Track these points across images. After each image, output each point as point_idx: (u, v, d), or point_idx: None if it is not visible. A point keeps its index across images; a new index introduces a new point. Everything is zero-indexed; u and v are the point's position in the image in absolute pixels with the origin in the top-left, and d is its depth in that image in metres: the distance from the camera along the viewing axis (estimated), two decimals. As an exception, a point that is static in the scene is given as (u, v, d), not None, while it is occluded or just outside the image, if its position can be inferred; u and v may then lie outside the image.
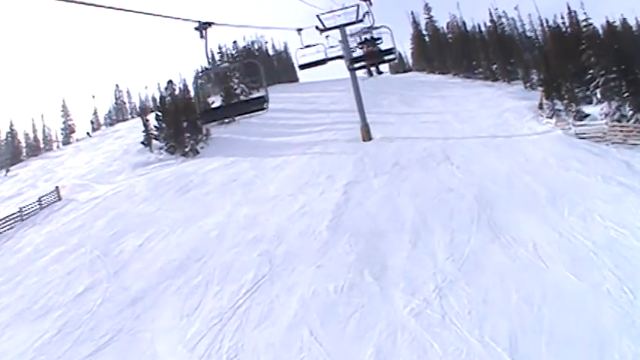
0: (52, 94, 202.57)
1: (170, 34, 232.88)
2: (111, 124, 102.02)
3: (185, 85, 68.56)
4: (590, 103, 43.96)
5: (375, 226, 23.47)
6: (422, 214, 23.89)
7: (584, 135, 33.27)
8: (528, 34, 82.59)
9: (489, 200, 24.17)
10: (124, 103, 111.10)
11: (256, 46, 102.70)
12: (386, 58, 39.13)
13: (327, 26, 43.21)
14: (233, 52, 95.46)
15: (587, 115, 40.92)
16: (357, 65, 42.25)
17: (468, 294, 16.40)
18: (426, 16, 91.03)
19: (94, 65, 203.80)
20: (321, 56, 38.79)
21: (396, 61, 38.56)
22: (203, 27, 10.70)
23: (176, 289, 21.59)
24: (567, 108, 42.01)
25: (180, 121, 56.08)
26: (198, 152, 53.17)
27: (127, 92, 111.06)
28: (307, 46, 34.70)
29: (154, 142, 58.32)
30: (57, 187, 44.71)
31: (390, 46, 39.02)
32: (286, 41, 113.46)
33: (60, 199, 42.55)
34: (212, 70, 14.19)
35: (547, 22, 64.70)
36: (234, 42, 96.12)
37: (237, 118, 12.41)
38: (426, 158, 33.71)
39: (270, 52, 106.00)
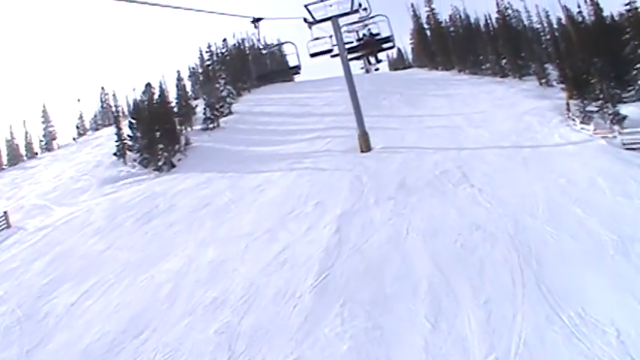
0: (36, 97, 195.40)
1: (157, 32, 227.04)
2: (96, 129, 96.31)
3: (163, 89, 61.74)
4: (621, 101, 37.67)
5: (377, 288, 16.92)
6: (441, 267, 17.40)
7: (634, 145, 26.87)
8: (535, 26, 75.12)
9: (532, 245, 17.69)
10: (110, 106, 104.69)
11: (247, 44, 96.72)
12: (384, 46, 34.43)
13: (318, 18, 37.31)
14: (223, 50, 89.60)
15: (624, 118, 34.56)
16: (353, 55, 37.10)
17: None
18: (427, 9, 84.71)
19: (81, 67, 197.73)
20: (294, 60, 34.18)
21: (394, 49, 33.66)
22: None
23: (98, 387, 15.23)
24: (602, 110, 35.56)
25: (154, 131, 49.65)
26: (174, 165, 46.73)
27: (114, 95, 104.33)
28: (267, 46, 29.48)
29: (129, 153, 52.15)
30: (5, 212, 38.06)
31: (387, 34, 33.85)
32: (279, 38, 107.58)
33: (9, 227, 36.08)
34: None
35: (566, 9, 57.11)
36: (224, 40, 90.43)
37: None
38: (438, 177, 27.28)
39: (263, 50, 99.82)
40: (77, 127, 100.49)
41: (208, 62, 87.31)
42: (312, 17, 36.94)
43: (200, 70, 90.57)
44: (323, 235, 22.18)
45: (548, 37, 69.67)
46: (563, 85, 46.30)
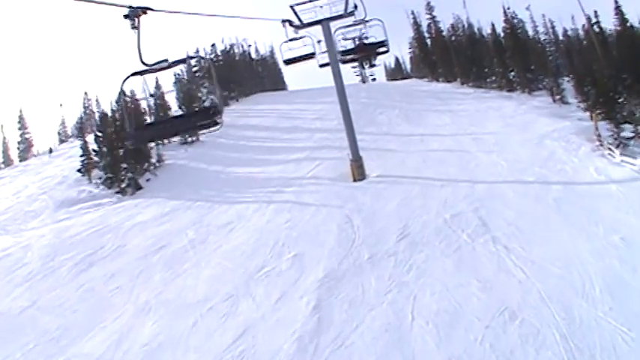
0: (17, 101, 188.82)
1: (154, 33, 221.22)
2: (77, 137, 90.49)
3: (136, 99, 55.70)
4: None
5: None
6: (465, 390, 11.71)
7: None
8: (542, 37, 68.85)
9: (598, 357, 12.01)
10: (93, 112, 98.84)
11: (236, 50, 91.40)
12: (379, 50, 31.16)
13: (306, 21, 31.76)
14: (211, 56, 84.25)
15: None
16: (346, 58, 33.03)
17: None
18: (428, 17, 78.77)
19: (66, 70, 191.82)
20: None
21: (388, 53, 31.38)
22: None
23: None
24: (641, 136, 30.09)
25: (119, 147, 43.92)
26: (140, 187, 40.94)
27: (97, 101, 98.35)
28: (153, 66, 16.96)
29: (96, 169, 46.30)
30: None
31: (382, 38, 29.76)
32: (272, 44, 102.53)
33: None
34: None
35: (589, 20, 51.47)
36: (213, 45, 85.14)
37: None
38: (449, 224, 21.52)
39: (254, 56, 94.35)
40: (59, 134, 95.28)
41: (195, 68, 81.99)
42: (299, 20, 31.36)
43: (186, 77, 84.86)
44: (298, 312, 16.37)
45: (553, 48, 64.39)
46: (582, 104, 40.87)
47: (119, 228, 29.76)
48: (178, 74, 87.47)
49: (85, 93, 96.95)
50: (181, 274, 21.56)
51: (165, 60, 10.15)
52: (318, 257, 20.18)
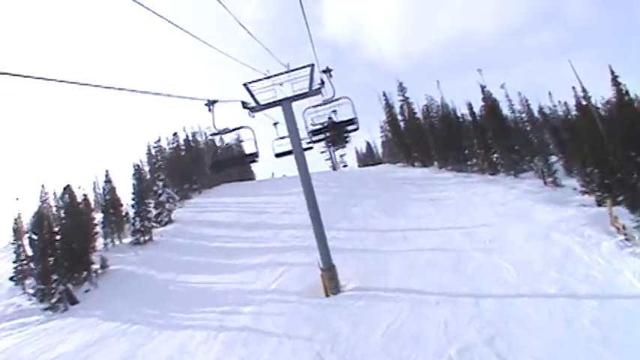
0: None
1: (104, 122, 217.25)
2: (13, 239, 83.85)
3: (74, 195, 50.03)
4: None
5: None
6: None
7: None
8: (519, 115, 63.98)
9: None
10: (50, 206, 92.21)
11: (199, 138, 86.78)
12: (348, 128, 27.61)
13: (262, 102, 26.50)
14: (172, 145, 79.52)
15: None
16: (316, 138, 28.25)
17: None
18: (401, 98, 74.93)
19: (20, 162, 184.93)
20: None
21: (358, 131, 26.68)
22: None
23: None
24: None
25: (52, 253, 37.80)
26: (75, 302, 34.65)
27: (54, 194, 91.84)
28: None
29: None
30: None
31: (351, 116, 26.51)
32: (239, 132, 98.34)
33: None
34: None
35: (583, 91, 46.99)
36: (174, 134, 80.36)
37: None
38: (459, 369, 15.67)
39: (218, 144, 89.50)
40: (14, 230, 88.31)
41: (156, 159, 76.90)
42: (255, 101, 26.09)
43: (147, 168, 79.32)
44: None
45: (529, 128, 60.21)
46: (583, 187, 36.17)
47: (31, 367, 23.45)
48: (138, 165, 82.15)
49: (42, 185, 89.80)
50: None
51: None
52: None
